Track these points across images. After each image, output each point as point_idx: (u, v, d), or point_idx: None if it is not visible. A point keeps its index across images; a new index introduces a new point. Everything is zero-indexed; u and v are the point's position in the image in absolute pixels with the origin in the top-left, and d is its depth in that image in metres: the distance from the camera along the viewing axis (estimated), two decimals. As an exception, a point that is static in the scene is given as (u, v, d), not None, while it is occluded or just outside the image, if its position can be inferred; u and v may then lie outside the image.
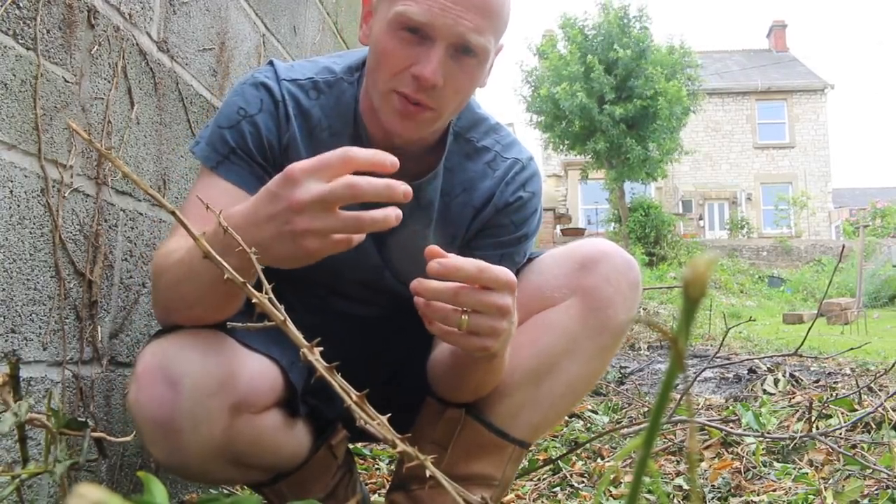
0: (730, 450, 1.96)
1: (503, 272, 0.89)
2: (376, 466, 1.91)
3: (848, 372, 3.49)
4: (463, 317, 0.89)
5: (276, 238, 0.82)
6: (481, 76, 1.08)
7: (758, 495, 1.58)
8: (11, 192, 1.00)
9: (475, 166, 1.19)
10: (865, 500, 1.49)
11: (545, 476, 1.82)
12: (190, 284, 0.94)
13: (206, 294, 0.93)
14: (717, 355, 3.34)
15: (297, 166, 0.82)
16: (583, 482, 1.75)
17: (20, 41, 1.01)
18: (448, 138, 1.18)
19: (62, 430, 0.84)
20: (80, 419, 0.87)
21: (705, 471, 1.80)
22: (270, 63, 1.16)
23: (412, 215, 1.14)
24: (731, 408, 2.43)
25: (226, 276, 0.76)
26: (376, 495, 1.63)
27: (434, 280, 0.88)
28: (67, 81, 1.11)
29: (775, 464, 1.83)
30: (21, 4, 1.01)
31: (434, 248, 0.87)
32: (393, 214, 0.81)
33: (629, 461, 1.83)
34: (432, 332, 0.92)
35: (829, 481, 1.61)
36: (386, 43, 1.02)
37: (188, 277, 0.93)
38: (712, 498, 1.60)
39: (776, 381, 2.94)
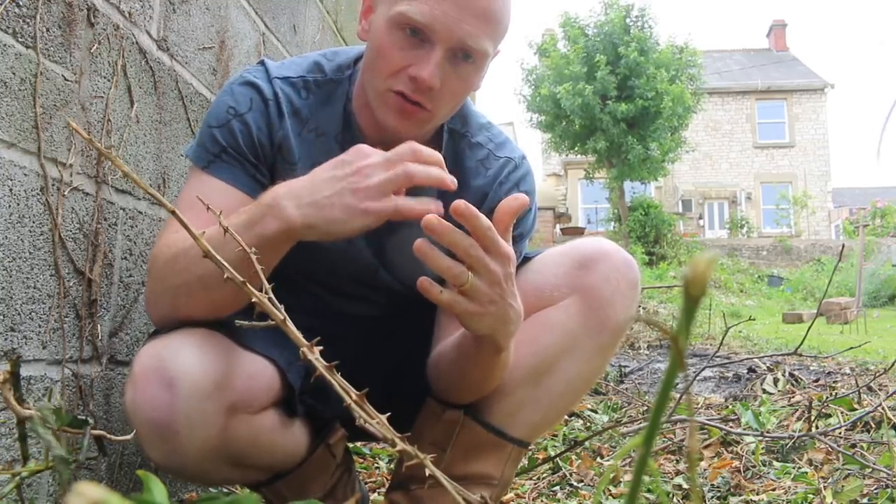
0: (729, 449, 1.96)
1: (504, 243, 0.89)
2: (375, 465, 1.91)
3: (847, 371, 3.49)
4: (469, 276, 0.88)
5: (336, 195, 0.90)
6: (477, 80, 1.09)
7: (757, 494, 1.59)
8: (11, 190, 1.00)
9: (468, 163, 1.19)
10: (865, 500, 1.49)
11: (545, 475, 1.82)
12: (210, 265, 0.88)
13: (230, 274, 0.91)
14: (717, 354, 3.34)
15: (366, 146, 0.93)
16: (582, 481, 1.75)
17: (20, 39, 1.01)
18: (444, 136, 1.18)
19: (63, 428, 0.84)
20: (79, 417, 0.87)
21: (705, 470, 1.80)
22: (261, 62, 1.16)
23: None
24: (730, 407, 2.43)
25: (225, 276, 0.76)
26: (376, 494, 1.63)
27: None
28: (67, 80, 1.11)
29: (775, 463, 1.83)
30: (21, 2, 1.01)
31: (461, 202, 0.87)
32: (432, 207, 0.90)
33: (629, 460, 1.83)
34: (427, 292, 0.89)
35: (829, 480, 1.61)
36: (385, 42, 1.02)
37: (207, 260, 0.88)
38: (712, 497, 1.60)
39: (776, 381, 2.94)
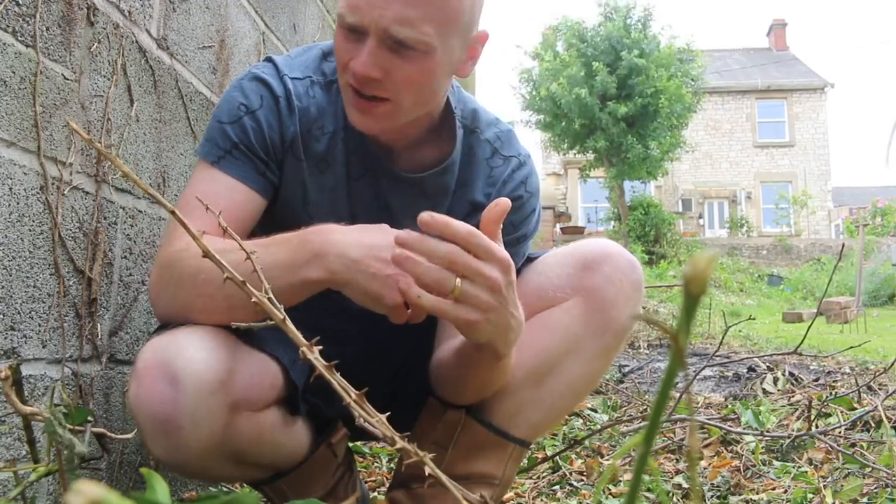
0: (729, 448, 1.96)
1: (497, 246, 0.88)
2: (376, 464, 1.91)
3: (847, 370, 3.49)
4: (456, 281, 0.86)
5: (382, 278, 0.92)
6: (437, 66, 1.03)
7: (757, 494, 1.59)
8: (11, 189, 1.00)
9: (475, 161, 1.19)
10: (864, 499, 1.49)
11: (545, 474, 1.82)
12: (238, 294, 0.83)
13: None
14: (717, 354, 3.34)
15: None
16: (582, 480, 1.75)
17: (19, 38, 1.01)
18: (458, 132, 1.17)
19: (75, 426, 0.84)
20: (84, 408, 0.87)
21: (705, 469, 1.80)
22: (268, 59, 1.16)
23: (418, 207, 1.14)
24: (730, 406, 2.43)
25: (225, 276, 0.76)
26: (376, 493, 1.63)
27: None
28: (67, 79, 1.11)
29: (774, 462, 1.83)
30: (20, 1, 1.01)
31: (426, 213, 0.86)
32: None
33: (629, 459, 1.83)
34: (405, 294, 0.89)
35: (828, 480, 1.61)
36: (336, 41, 1.05)
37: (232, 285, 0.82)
38: (711, 496, 1.60)
39: (775, 380, 2.94)
